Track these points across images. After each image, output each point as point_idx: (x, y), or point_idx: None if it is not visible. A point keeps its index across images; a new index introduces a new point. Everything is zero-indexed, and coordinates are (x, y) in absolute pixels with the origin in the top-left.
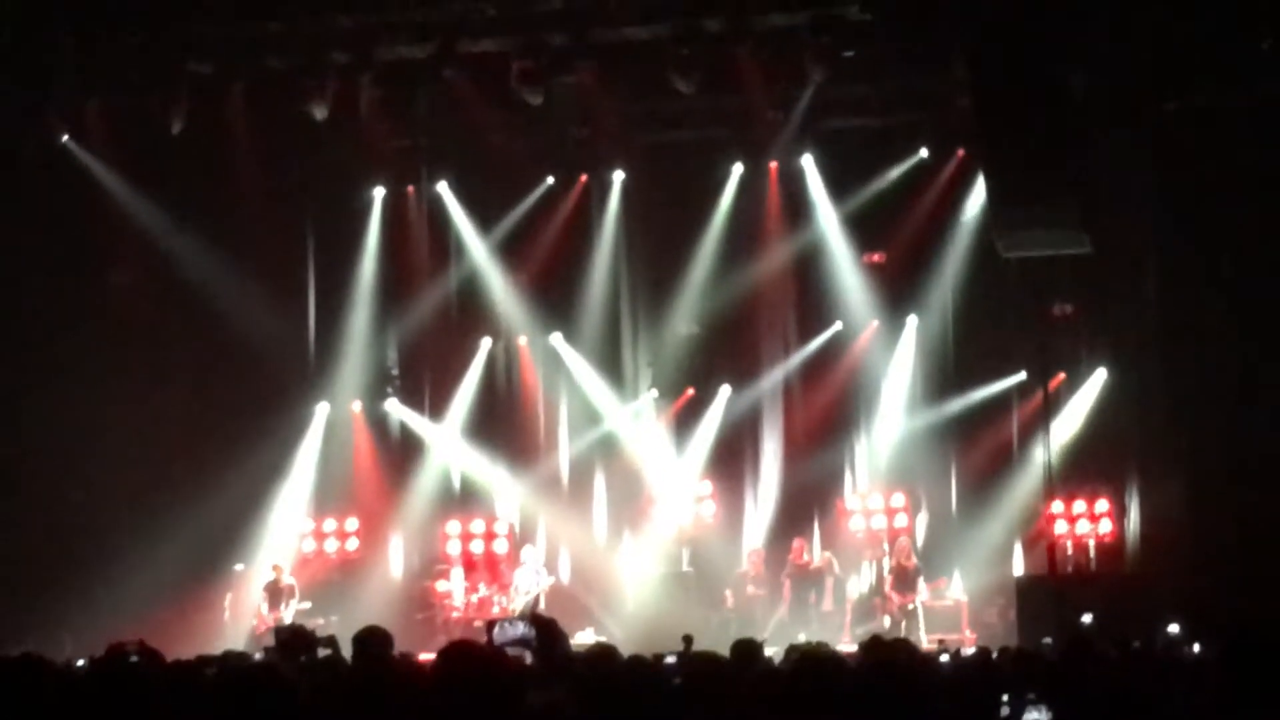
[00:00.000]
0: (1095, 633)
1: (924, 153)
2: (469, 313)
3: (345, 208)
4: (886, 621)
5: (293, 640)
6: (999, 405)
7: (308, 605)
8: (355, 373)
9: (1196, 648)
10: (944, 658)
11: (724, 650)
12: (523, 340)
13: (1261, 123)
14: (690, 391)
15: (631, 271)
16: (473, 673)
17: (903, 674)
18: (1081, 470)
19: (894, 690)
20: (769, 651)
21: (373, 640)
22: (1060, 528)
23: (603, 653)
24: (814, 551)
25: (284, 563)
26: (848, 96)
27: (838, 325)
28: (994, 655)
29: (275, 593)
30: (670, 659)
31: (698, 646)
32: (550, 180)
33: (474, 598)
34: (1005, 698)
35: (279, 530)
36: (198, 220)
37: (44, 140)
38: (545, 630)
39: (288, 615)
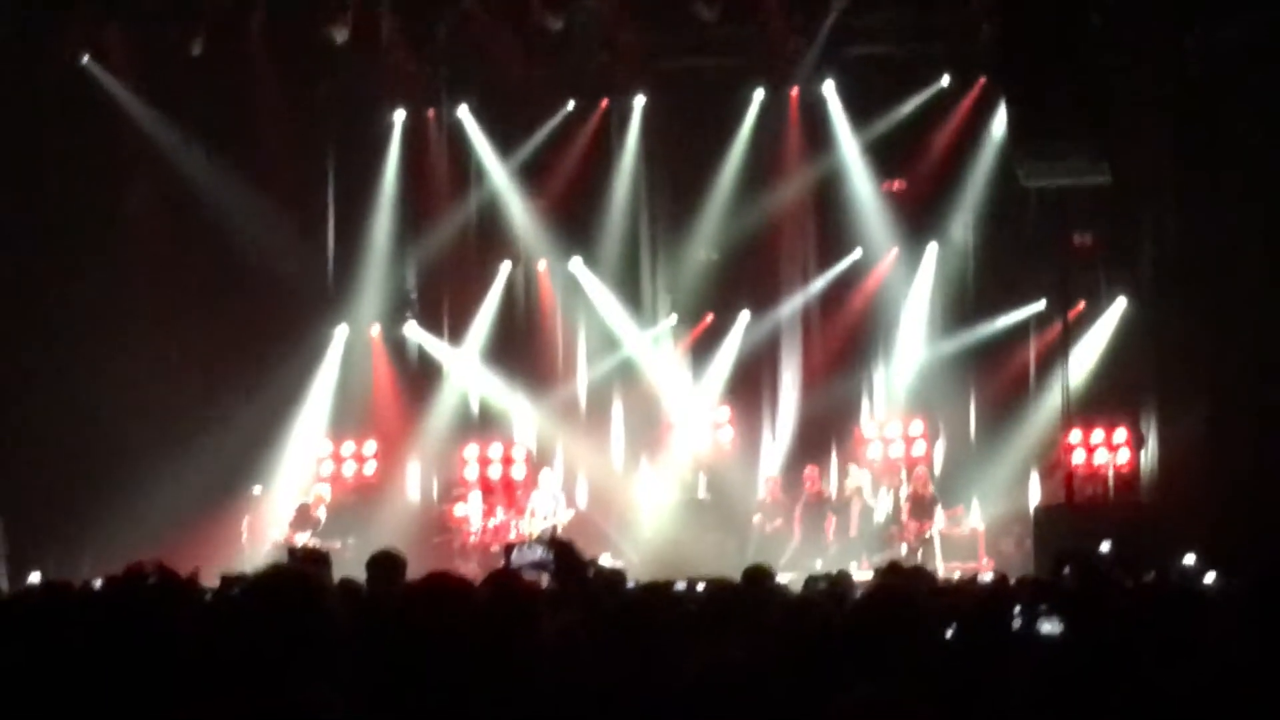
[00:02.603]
0: (1112, 562)
1: (945, 80)
2: (488, 237)
3: (365, 131)
4: (903, 550)
5: (306, 560)
6: (1018, 334)
7: (316, 541)
8: (374, 296)
9: (1211, 578)
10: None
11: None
12: (542, 265)
13: None
14: (709, 317)
15: (651, 197)
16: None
17: (912, 599)
18: (1100, 400)
19: (904, 614)
20: (786, 579)
21: (386, 564)
22: (1078, 457)
23: (615, 577)
24: (831, 479)
25: (325, 493)
26: (870, 23)
27: (857, 252)
28: (1010, 583)
29: (305, 518)
30: (681, 585)
31: (714, 572)
32: (571, 105)
33: (491, 522)
34: (1017, 609)
35: (297, 453)
36: (217, 143)
37: (64, 61)
38: (563, 554)
39: (301, 541)
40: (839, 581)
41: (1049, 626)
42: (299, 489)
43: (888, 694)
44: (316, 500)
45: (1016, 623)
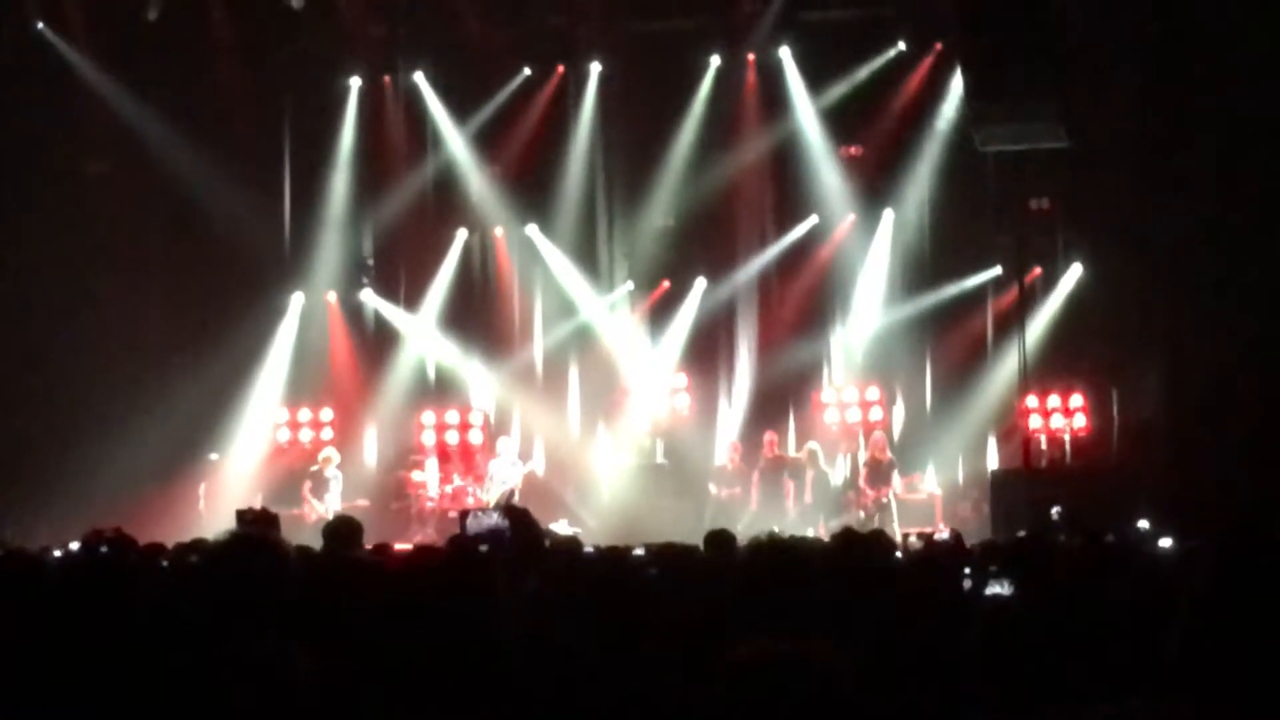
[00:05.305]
0: (1064, 525)
1: (902, 45)
2: (445, 203)
3: (321, 97)
4: (860, 515)
5: (257, 524)
6: (975, 299)
7: (334, 505)
8: (330, 262)
9: (1165, 542)
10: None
11: (698, 542)
12: (498, 231)
13: (1245, 19)
14: (666, 284)
15: (608, 163)
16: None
17: (867, 558)
18: (1056, 365)
19: (859, 573)
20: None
21: (343, 530)
22: (1035, 422)
23: (573, 544)
24: (789, 444)
25: (333, 455)
26: None
27: (814, 218)
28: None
29: (319, 483)
30: (640, 550)
31: (672, 538)
32: (527, 71)
33: (448, 488)
34: (967, 570)
35: (253, 420)
36: (173, 108)
37: (17, 25)
38: (519, 521)
39: (332, 504)
40: None
41: (998, 588)
42: (260, 456)
43: (792, 642)
44: (324, 462)
45: (967, 584)
